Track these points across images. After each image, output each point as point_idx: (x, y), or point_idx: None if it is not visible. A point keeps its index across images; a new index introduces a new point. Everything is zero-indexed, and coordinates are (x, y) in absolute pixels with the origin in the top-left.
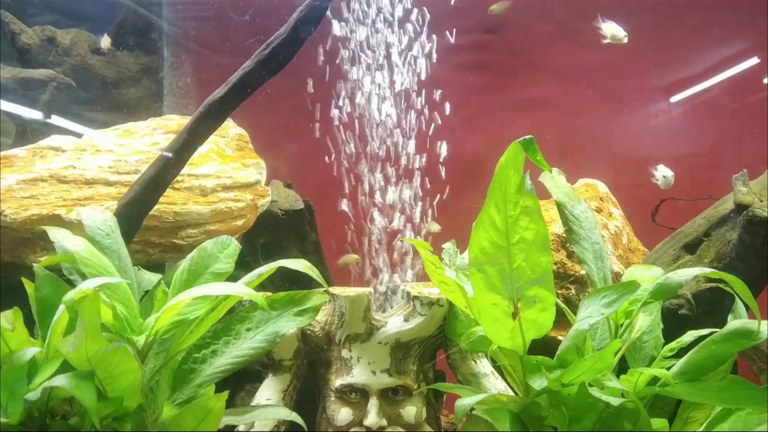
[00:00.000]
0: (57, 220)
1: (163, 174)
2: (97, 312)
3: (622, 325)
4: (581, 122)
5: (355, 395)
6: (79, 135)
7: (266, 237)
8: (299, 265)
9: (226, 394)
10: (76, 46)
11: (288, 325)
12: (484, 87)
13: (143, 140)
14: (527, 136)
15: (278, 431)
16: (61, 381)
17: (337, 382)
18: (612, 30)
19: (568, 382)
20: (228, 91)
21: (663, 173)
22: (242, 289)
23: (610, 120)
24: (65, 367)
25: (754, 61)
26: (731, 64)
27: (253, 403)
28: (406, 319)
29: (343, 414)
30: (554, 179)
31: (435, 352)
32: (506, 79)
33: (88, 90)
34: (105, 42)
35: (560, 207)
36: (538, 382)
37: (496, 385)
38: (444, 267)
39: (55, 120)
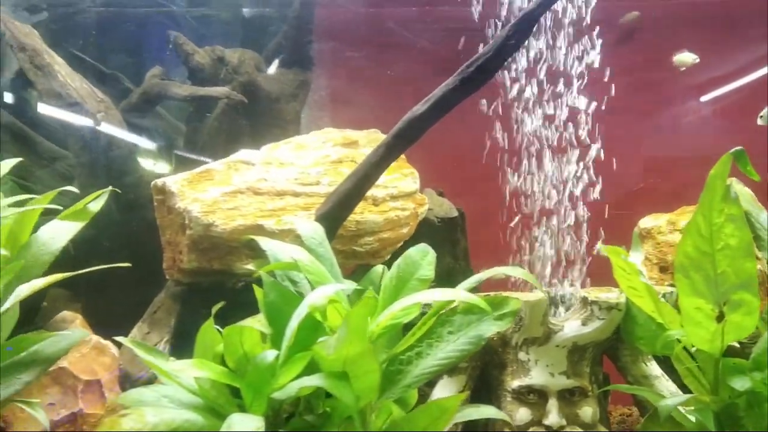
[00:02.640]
0: (259, 230)
1: (360, 187)
2: (364, 317)
3: None
4: None
5: (533, 396)
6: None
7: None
8: (518, 272)
9: (464, 395)
10: (243, 65)
11: (490, 328)
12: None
13: (316, 153)
14: (738, 147)
15: (456, 431)
16: (316, 381)
17: (515, 383)
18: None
19: None
20: (429, 108)
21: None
22: (464, 294)
23: None
24: (310, 368)
25: None
26: None
27: None
28: (584, 323)
29: (521, 414)
30: (738, 187)
31: (604, 354)
32: None
33: (255, 106)
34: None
35: (747, 215)
36: (740, 383)
37: (668, 387)
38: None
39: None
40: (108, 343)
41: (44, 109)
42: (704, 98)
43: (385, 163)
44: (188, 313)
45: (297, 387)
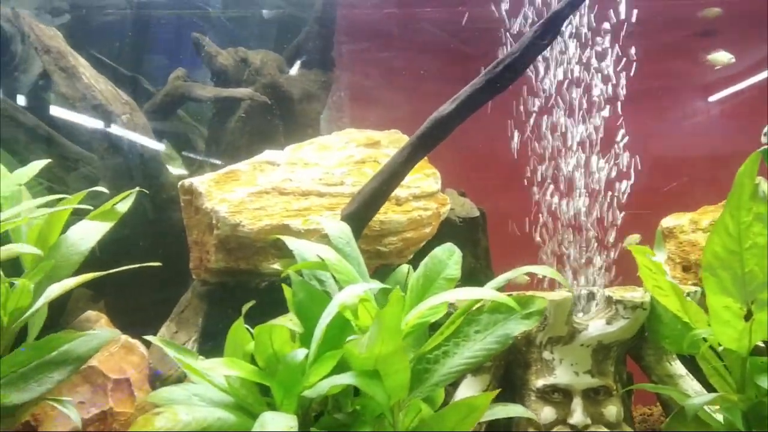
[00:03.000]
0: (285, 230)
1: (386, 187)
2: (397, 315)
3: None
4: None
5: (558, 395)
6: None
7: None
8: (546, 271)
9: (493, 393)
10: (266, 66)
11: (517, 327)
12: None
13: (340, 153)
14: (766, 146)
15: (479, 431)
16: (348, 379)
17: (539, 382)
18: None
19: None
20: (456, 108)
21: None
22: (492, 293)
23: None
24: (339, 367)
25: None
26: None
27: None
28: (608, 322)
29: (546, 413)
30: (766, 186)
31: (627, 354)
32: None
33: (277, 107)
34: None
35: None
36: None
37: (692, 386)
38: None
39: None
40: (136, 342)
41: (68, 111)
42: None
43: (411, 163)
44: (214, 312)
45: (328, 385)
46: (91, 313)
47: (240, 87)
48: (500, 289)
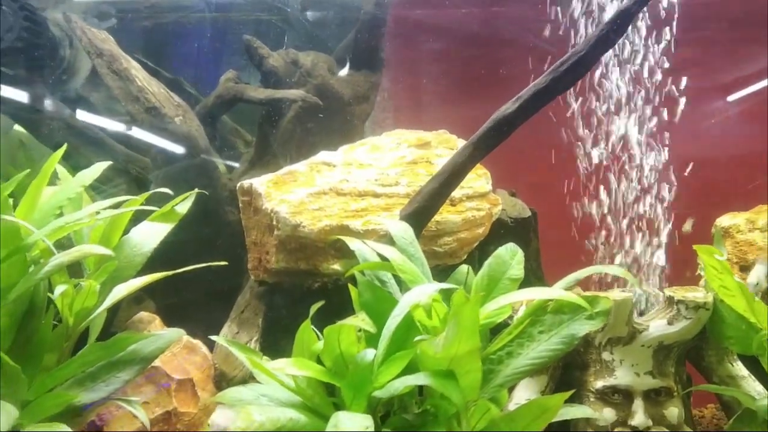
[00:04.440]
0: (345, 231)
1: (446, 187)
2: (476, 314)
3: None
4: None
5: (618, 396)
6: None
7: (496, 244)
8: (617, 270)
9: (567, 394)
10: (316, 67)
11: (582, 328)
12: None
13: (392, 154)
14: None
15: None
16: (422, 380)
17: (599, 383)
18: None
19: None
20: (519, 107)
21: None
22: (562, 293)
23: None
24: (408, 367)
25: None
26: None
27: (511, 404)
28: (669, 323)
29: (606, 414)
30: None
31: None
32: None
33: (327, 108)
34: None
35: None
36: None
37: (755, 387)
38: None
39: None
40: (198, 342)
41: (119, 113)
42: None
43: (472, 163)
44: (272, 313)
45: (401, 385)
46: (144, 314)
47: (290, 89)
48: (568, 289)
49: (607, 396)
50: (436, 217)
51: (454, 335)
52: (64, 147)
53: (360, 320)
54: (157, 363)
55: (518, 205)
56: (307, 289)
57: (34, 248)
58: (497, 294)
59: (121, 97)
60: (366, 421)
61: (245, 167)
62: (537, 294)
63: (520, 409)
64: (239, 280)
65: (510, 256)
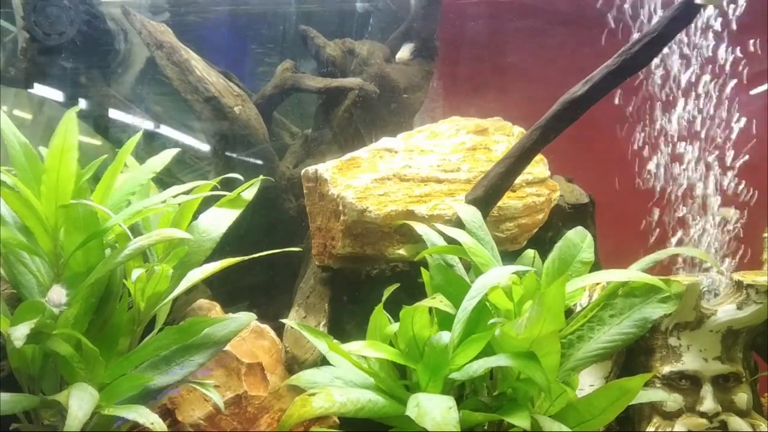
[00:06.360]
0: (410, 216)
1: (512, 171)
2: (561, 296)
3: None
4: None
5: (685, 382)
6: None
7: (553, 231)
8: (696, 252)
9: (648, 375)
10: (372, 56)
11: (655, 311)
12: None
13: (452, 140)
14: None
15: None
16: (503, 361)
17: (666, 369)
18: None
19: None
20: (588, 89)
21: None
22: (638, 274)
23: None
24: (484, 350)
25: None
26: None
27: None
28: (739, 307)
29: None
30: None
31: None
32: None
33: (383, 97)
34: (404, 52)
35: None
36: None
37: None
38: None
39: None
40: (266, 327)
41: (178, 104)
42: None
43: (539, 146)
44: (337, 297)
45: (481, 367)
46: (203, 302)
47: (347, 77)
48: (646, 271)
49: (674, 381)
50: (499, 203)
51: (538, 315)
52: (141, 132)
53: (438, 302)
54: (227, 347)
55: (576, 191)
56: (365, 275)
57: (110, 233)
58: (569, 277)
59: (180, 89)
60: (448, 402)
61: (300, 156)
62: (615, 276)
63: (600, 390)
64: (295, 268)
65: (580, 240)
